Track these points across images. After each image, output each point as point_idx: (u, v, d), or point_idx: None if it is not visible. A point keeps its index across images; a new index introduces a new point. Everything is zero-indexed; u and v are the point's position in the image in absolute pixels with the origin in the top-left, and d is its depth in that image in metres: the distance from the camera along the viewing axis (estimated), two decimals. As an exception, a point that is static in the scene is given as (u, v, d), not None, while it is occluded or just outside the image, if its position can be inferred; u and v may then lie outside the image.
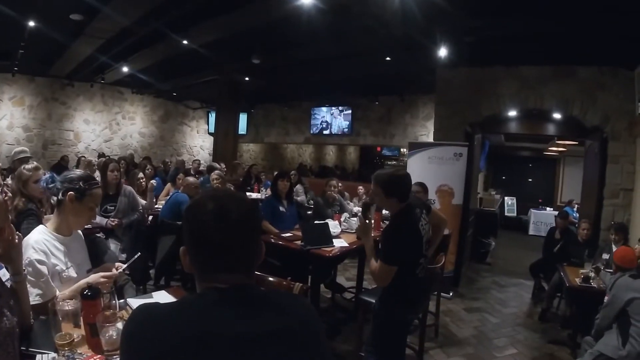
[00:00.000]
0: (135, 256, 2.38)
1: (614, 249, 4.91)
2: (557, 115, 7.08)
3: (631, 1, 4.17)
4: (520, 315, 5.64)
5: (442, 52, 6.07)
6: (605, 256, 5.00)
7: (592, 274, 4.40)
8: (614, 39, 5.19)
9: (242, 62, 8.43)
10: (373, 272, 2.63)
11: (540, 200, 12.91)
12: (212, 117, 14.34)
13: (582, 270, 4.55)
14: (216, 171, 6.21)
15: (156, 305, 1.03)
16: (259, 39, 7.06)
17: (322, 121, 13.82)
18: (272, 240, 4.48)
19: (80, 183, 2.19)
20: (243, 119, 13.95)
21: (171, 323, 0.94)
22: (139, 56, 8.31)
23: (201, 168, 10.75)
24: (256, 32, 6.54)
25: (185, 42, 6.86)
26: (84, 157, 10.83)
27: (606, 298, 3.43)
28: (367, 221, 2.93)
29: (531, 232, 12.18)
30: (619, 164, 6.13)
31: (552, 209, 12.27)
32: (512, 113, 7.23)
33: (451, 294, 6.04)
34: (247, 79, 9.92)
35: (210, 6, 5.63)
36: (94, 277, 2.12)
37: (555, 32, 5.34)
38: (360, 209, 6.53)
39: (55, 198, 2.27)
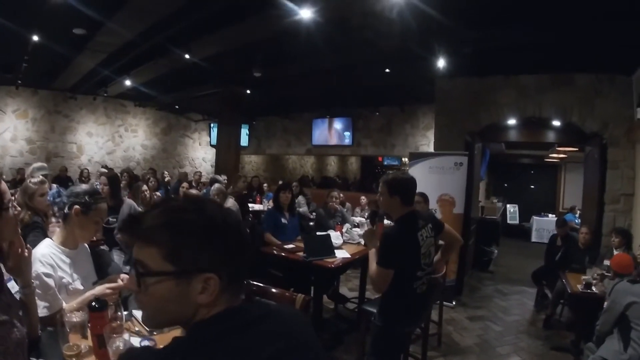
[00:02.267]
0: None
1: (616, 253, 4.95)
2: (556, 123, 7.13)
3: (627, 9, 4.23)
4: (523, 322, 5.64)
5: (441, 62, 6.14)
6: (607, 262, 5.01)
7: (594, 280, 4.42)
8: (611, 46, 5.25)
9: (243, 75, 8.51)
10: (371, 277, 2.68)
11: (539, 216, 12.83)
12: (214, 129, 14.41)
13: (583, 277, 4.56)
14: (217, 185, 6.24)
15: (145, 350, 0.96)
16: (260, 52, 7.11)
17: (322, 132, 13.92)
18: (275, 251, 4.52)
19: (86, 197, 2.23)
20: (244, 131, 14.03)
21: None
22: (142, 70, 8.38)
23: (202, 180, 10.81)
24: (257, 46, 6.61)
25: (187, 55, 6.92)
26: (87, 169, 10.90)
27: (605, 303, 3.45)
28: (375, 227, 2.98)
29: (534, 239, 12.17)
30: (618, 170, 6.17)
31: (554, 215, 12.27)
32: (512, 121, 7.28)
33: (454, 302, 6.04)
34: (248, 91, 9.99)
35: (211, 20, 5.71)
36: (99, 289, 2.15)
37: (552, 41, 5.40)
38: (362, 219, 6.59)
39: (61, 212, 2.31)
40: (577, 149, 9.50)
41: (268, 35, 6.14)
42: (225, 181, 8.51)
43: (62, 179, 9.69)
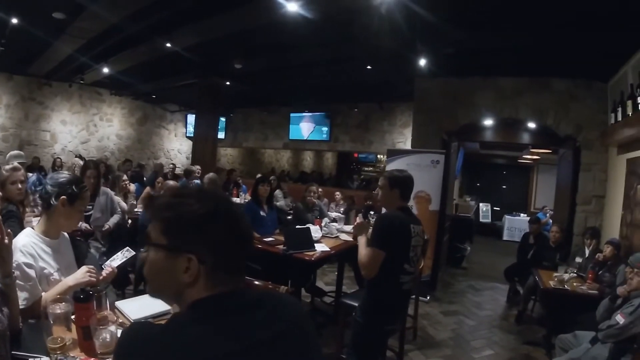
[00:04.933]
0: (130, 255, 2.39)
1: (587, 252, 5.11)
2: (531, 125, 7.29)
3: (605, 19, 4.35)
4: (495, 317, 5.80)
5: (422, 62, 6.18)
6: (579, 260, 5.19)
7: (566, 277, 4.56)
8: (588, 53, 5.39)
9: (223, 66, 8.43)
10: (361, 261, 2.73)
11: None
12: (190, 120, 14.23)
13: (555, 274, 4.71)
14: (211, 174, 6.27)
15: (150, 325, 1.02)
16: (242, 43, 7.05)
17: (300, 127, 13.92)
18: (254, 244, 4.52)
19: (73, 187, 2.19)
20: (221, 123, 13.89)
21: (162, 350, 0.90)
22: (120, 57, 8.20)
23: (176, 172, 10.70)
24: (240, 37, 6.52)
25: (168, 44, 6.82)
26: (60, 158, 10.66)
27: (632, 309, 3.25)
28: (366, 221, 3.17)
29: (505, 237, 12.48)
30: (591, 172, 6.36)
31: (525, 215, 12.55)
32: (488, 122, 7.40)
33: (428, 297, 6.15)
34: (228, 83, 9.89)
35: (195, 9, 5.63)
36: (80, 273, 2.13)
37: (531, 46, 5.50)
38: (338, 213, 6.65)
39: (41, 201, 2.26)
40: (550, 151, 9.72)
41: (252, 27, 6.07)
42: (199, 172, 8.47)
43: (35, 168, 9.46)
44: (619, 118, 5.31)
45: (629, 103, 4.91)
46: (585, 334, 3.60)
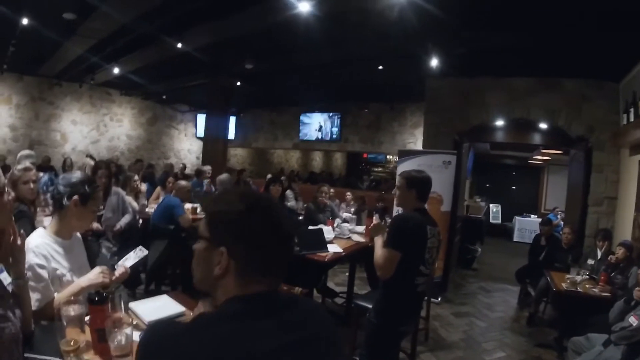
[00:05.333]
0: (143, 255, 2.38)
1: (599, 254, 5.06)
2: (543, 125, 7.22)
3: (616, 18, 4.30)
4: (507, 319, 5.76)
5: (434, 62, 6.14)
6: (591, 262, 5.14)
7: (578, 279, 4.52)
8: (600, 53, 5.33)
9: (234, 67, 8.44)
10: (377, 262, 2.72)
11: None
12: (200, 120, 14.25)
13: (568, 276, 4.67)
14: (224, 176, 6.30)
15: (174, 324, 1.05)
16: (254, 44, 7.05)
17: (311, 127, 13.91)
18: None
19: (86, 187, 2.18)
20: (231, 123, 13.91)
21: (188, 347, 0.90)
22: (131, 58, 8.23)
23: (186, 172, 10.72)
24: (251, 37, 6.52)
25: (179, 45, 6.83)
26: (70, 158, 10.71)
27: None
28: (382, 222, 3.11)
29: (516, 238, 12.41)
30: (603, 173, 6.29)
31: (536, 216, 12.47)
32: (500, 123, 7.35)
33: (440, 299, 6.12)
34: (238, 83, 9.90)
35: (206, 10, 5.63)
36: (94, 273, 2.11)
37: (542, 45, 5.45)
38: (348, 214, 6.64)
39: (52, 201, 2.25)
40: (561, 152, 9.65)
41: (263, 28, 6.05)
42: (210, 172, 8.46)
43: (45, 168, 9.50)
44: (631, 119, 5.25)
45: (642, 104, 4.86)
46: (598, 336, 3.58)
